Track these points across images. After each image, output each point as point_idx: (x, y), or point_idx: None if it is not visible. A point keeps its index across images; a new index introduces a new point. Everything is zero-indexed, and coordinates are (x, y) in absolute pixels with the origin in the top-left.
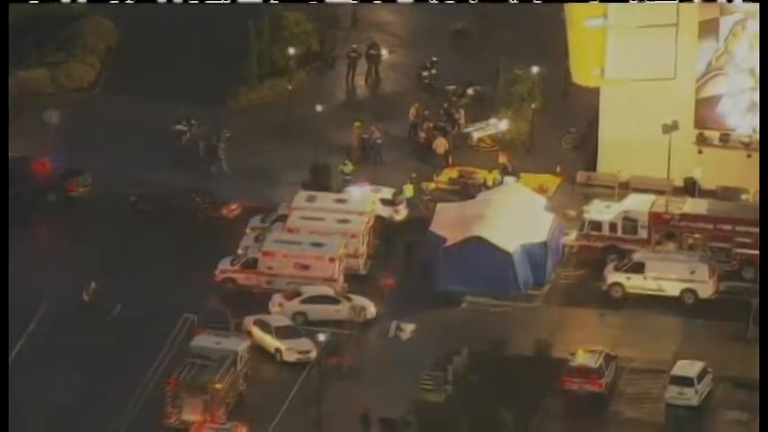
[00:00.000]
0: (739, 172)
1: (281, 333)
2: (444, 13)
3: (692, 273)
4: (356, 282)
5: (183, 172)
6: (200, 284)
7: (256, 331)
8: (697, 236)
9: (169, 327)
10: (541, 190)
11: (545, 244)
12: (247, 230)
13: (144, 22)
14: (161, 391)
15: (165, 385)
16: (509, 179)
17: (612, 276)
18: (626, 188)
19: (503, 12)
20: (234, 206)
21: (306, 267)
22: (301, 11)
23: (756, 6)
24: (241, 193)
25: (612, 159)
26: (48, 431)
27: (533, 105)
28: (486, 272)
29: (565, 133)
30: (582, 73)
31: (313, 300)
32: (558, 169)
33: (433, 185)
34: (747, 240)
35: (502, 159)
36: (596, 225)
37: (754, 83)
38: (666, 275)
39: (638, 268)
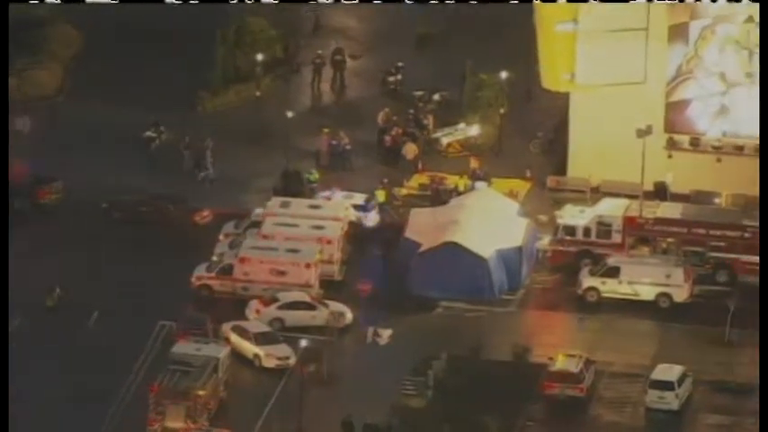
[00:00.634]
0: (709, 176)
1: (260, 339)
2: (407, 17)
3: (668, 277)
4: (331, 288)
5: (154, 178)
6: (176, 291)
7: (234, 337)
8: (671, 240)
9: (146, 334)
10: (512, 195)
11: (520, 249)
12: (221, 237)
13: (107, 29)
14: (141, 399)
15: (145, 392)
16: (480, 184)
17: (588, 281)
18: (596, 192)
19: (466, 16)
20: (205, 213)
21: (282, 273)
22: (264, 16)
23: (730, 9)
24: (211, 200)
25: (582, 164)
26: None
27: (501, 110)
28: (462, 277)
29: (532, 138)
30: (552, 78)
31: (290, 306)
32: (528, 174)
33: (404, 191)
34: (721, 244)
35: (473, 164)
36: (570, 230)
37: (724, 87)
38: (641, 280)
39: (614, 273)
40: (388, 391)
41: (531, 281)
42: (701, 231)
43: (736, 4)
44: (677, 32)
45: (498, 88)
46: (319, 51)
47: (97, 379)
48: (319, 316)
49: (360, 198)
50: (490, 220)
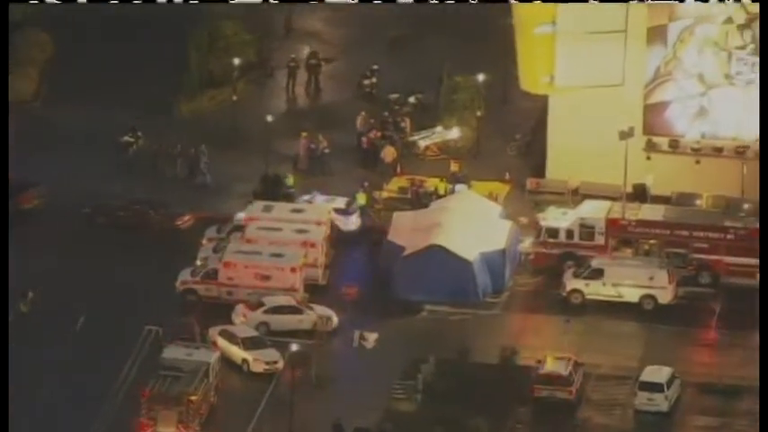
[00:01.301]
0: (688, 178)
1: (248, 344)
2: (378, 20)
3: (651, 279)
4: (315, 291)
5: (132, 183)
6: (160, 296)
7: (222, 342)
8: (653, 242)
9: (132, 339)
10: (491, 197)
11: (503, 251)
12: (204, 241)
13: (80, 33)
14: (130, 404)
15: (134, 397)
16: (460, 187)
17: (572, 283)
18: (576, 194)
19: (438, 18)
20: (187, 217)
21: (267, 278)
22: (235, 20)
23: (708, 11)
24: (191, 204)
25: (561, 166)
26: None
27: (479, 113)
28: (446, 280)
29: (509, 140)
30: (531, 80)
31: (276, 310)
32: (507, 176)
33: (385, 194)
34: (704, 245)
35: (453, 167)
36: (553, 232)
37: (702, 88)
38: (625, 282)
39: (597, 275)
40: (378, 395)
41: (514, 283)
42: (684, 233)
43: (714, 6)
44: (656, 34)
45: (474, 91)
46: (293, 55)
47: (85, 384)
48: (306, 320)
49: (341, 201)
50: (473, 223)
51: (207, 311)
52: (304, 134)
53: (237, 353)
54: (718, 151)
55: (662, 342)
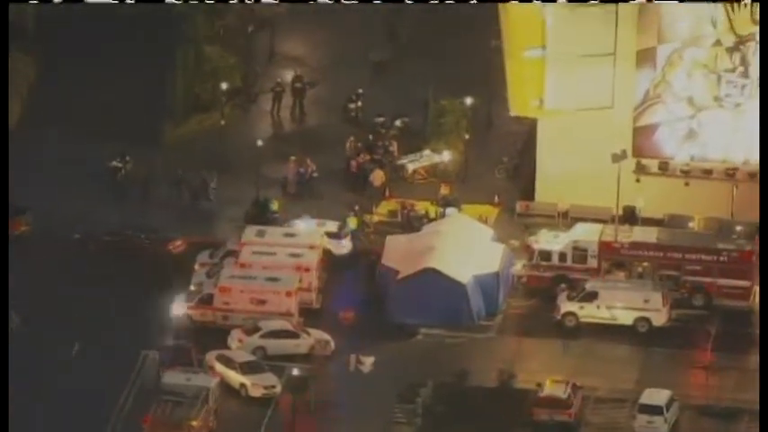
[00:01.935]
0: (678, 200)
1: (246, 368)
2: (361, 44)
3: (646, 301)
4: (309, 315)
5: (121, 208)
6: (154, 321)
7: (220, 367)
8: (646, 264)
9: (128, 364)
10: (481, 220)
11: (497, 274)
12: (196, 266)
13: (62, 56)
14: (130, 430)
15: (134, 422)
16: (450, 210)
17: (566, 306)
18: (566, 217)
19: (421, 42)
20: (179, 242)
21: (262, 302)
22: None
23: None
24: (182, 229)
25: (550, 188)
26: None
27: (467, 136)
28: (440, 303)
29: (495, 163)
30: (520, 104)
31: (272, 334)
32: (497, 199)
33: (376, 218)
34: (697, 268)
35: (444, 191)
36: (546, 255)
37: (692, 111)
38: (620, 304)
39: (592, 297)
40: (377, 419)
41: (508, 306)
42: (677, 255)
43: (703, 28)
44: (645, 57)
45: (460, 114)
46: (278, 80)
47: (84, 410)
48: (302, 344)
49: (332, 225)
50: (466, 246)
51: (202, 336)
52: (292, 158)
53: (235, 377)
54: (707, 173)
55: (657, 364)
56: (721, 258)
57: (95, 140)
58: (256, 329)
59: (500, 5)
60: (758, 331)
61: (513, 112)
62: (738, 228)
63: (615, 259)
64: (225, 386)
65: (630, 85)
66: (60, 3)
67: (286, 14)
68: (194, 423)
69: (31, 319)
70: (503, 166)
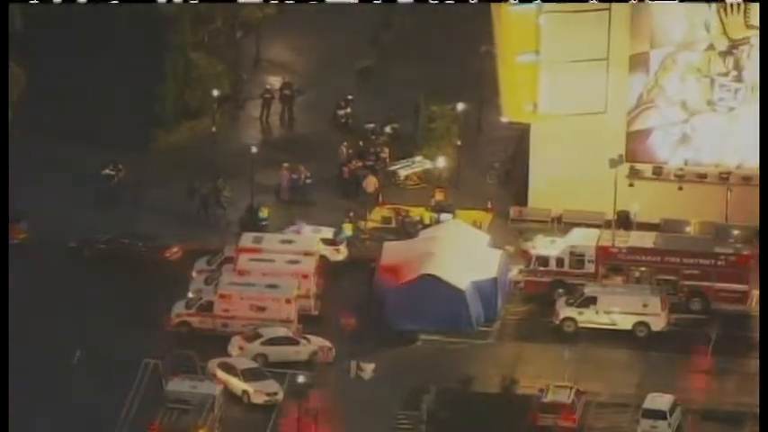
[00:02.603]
0: (672, 204)
1: (248, 375)
2: (346, 50)
3: (645, 306)
4: (308, 322)
5: (116, 216)
6: (154, 329)
7: (222, 374)
8: (643, 269)
9: (130, 372)
10: (475, 226)
11: (495, 280)
12: (194, 274)
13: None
14: None
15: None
16: (445, 216)
17: (564, 311)
18: (559, 222)
19: (410, 47)
20: (175, 249)
21: (262, 309)
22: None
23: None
24: (178, 236)
25: (543, 194)
26: None
27: (458, 142)
28: (439, 309)
29: (487, 168)
30: (514, 109)
31: (273, 341)
32: (490, 205)
33: (370, 224)
34: (694, 272)
35: (438, 196)
36: (543, 260)
37: (685, 115)
38: (618, 309)
39: (590, 303)
40: (380, 425)
41: (506, 312)
42: (675, 260)
43: (695, 33)
44: (638, 62)
45: (450, 120)
46: (267, 86)
47: (87, 419)
48: (302, 351)
49: (327, 232)
50: (464, 252)
51: (201, 343)
52: (285, 165)
53: (238, 384)
54: (701, 177)
55: (657, 369)
56: (719, 262)
57: (87, 148)
58: (257, 336)
59: (493, 11)
60: (757, 335)
61: (506, 117)
62: (735, 232)
63: (612, 264)
64: (227, 393)
65: (624, 89)
66: (54, 5)
67: (275, 16)
68: (201, 431)
69: (30, 326)
70: (494, 172)
